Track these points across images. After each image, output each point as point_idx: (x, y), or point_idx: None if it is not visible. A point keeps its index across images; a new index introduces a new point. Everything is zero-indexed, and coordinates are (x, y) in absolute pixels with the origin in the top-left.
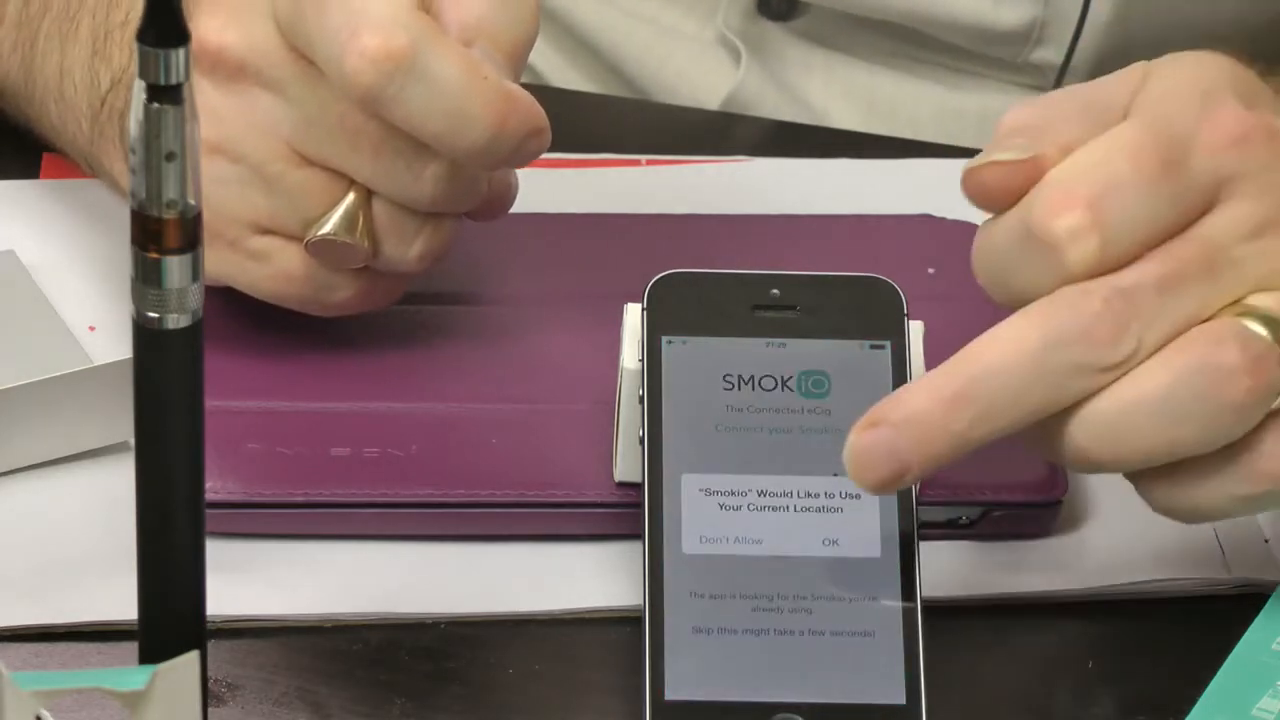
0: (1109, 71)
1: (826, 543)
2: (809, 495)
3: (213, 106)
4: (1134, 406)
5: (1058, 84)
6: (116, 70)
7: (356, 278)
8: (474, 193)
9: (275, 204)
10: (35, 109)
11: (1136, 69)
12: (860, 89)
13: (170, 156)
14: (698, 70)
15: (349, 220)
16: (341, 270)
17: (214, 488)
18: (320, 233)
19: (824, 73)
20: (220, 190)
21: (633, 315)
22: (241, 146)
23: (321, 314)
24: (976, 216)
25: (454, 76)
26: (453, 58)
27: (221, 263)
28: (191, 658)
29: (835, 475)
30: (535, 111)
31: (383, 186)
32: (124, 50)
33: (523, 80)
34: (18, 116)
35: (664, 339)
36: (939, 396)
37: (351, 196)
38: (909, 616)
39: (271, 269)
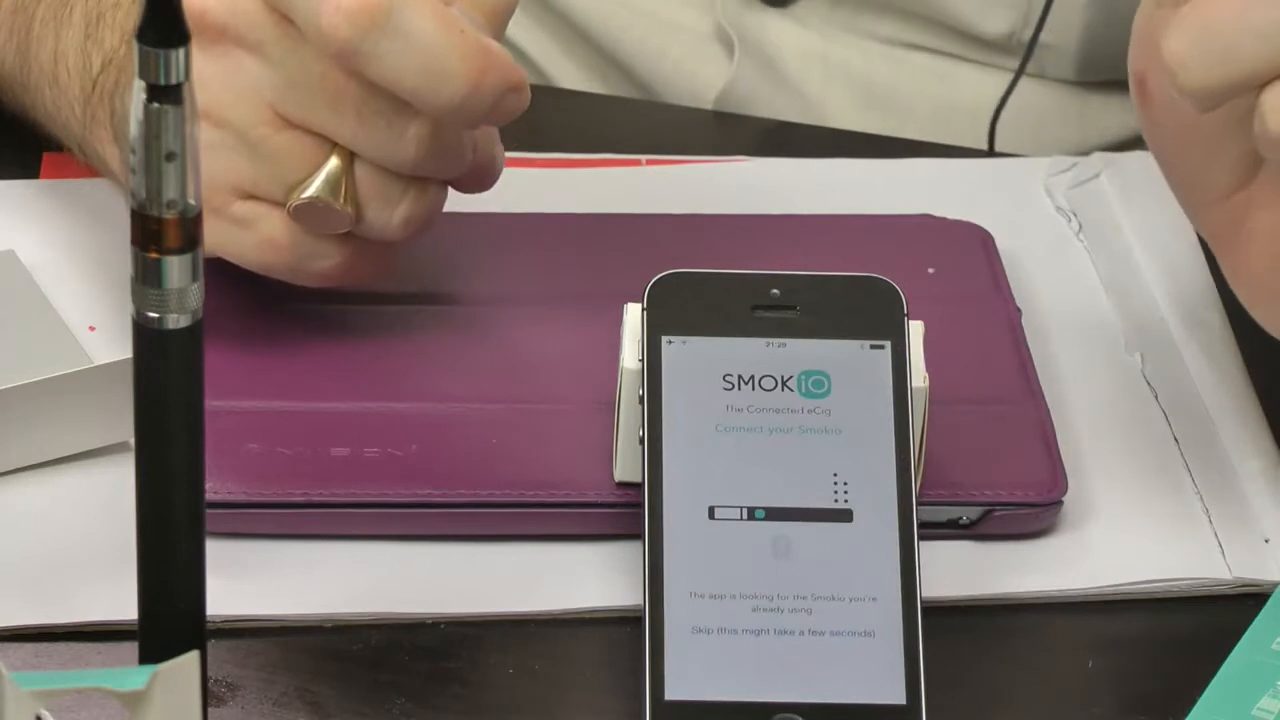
0: (1093, 47)
1: (827, 543)
2: (809, 496)
3: (196, 71)
4: None
5: (1027, 56)
6: (108, 52)
7: (342, 245)
8: (457, 157)
9: (258, 168)
10: (30, 96)
11: None
12: (857, 77)
13: (170, 156)
14: (695, 61)
15: (332, 183)
16: (326, 237)
17: (214, 488)
18: (303, 196)
19: (820, 61)
20: (203, 155)
21: (633, 315)
22: (225, 111)
23: (309, 284)
24: (976, 216)
25: (430, 31)
26: (429, 13)
27: (206, 231)
28: (191, 658)
29: (835, 475)
30: (513, 68)
31: (365, 148)
32: (115, 32)
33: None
34: (13, 104)
35: (664, 339)
36: None
37: (334, 160)
38: (909, 616)
39: (256, 236)
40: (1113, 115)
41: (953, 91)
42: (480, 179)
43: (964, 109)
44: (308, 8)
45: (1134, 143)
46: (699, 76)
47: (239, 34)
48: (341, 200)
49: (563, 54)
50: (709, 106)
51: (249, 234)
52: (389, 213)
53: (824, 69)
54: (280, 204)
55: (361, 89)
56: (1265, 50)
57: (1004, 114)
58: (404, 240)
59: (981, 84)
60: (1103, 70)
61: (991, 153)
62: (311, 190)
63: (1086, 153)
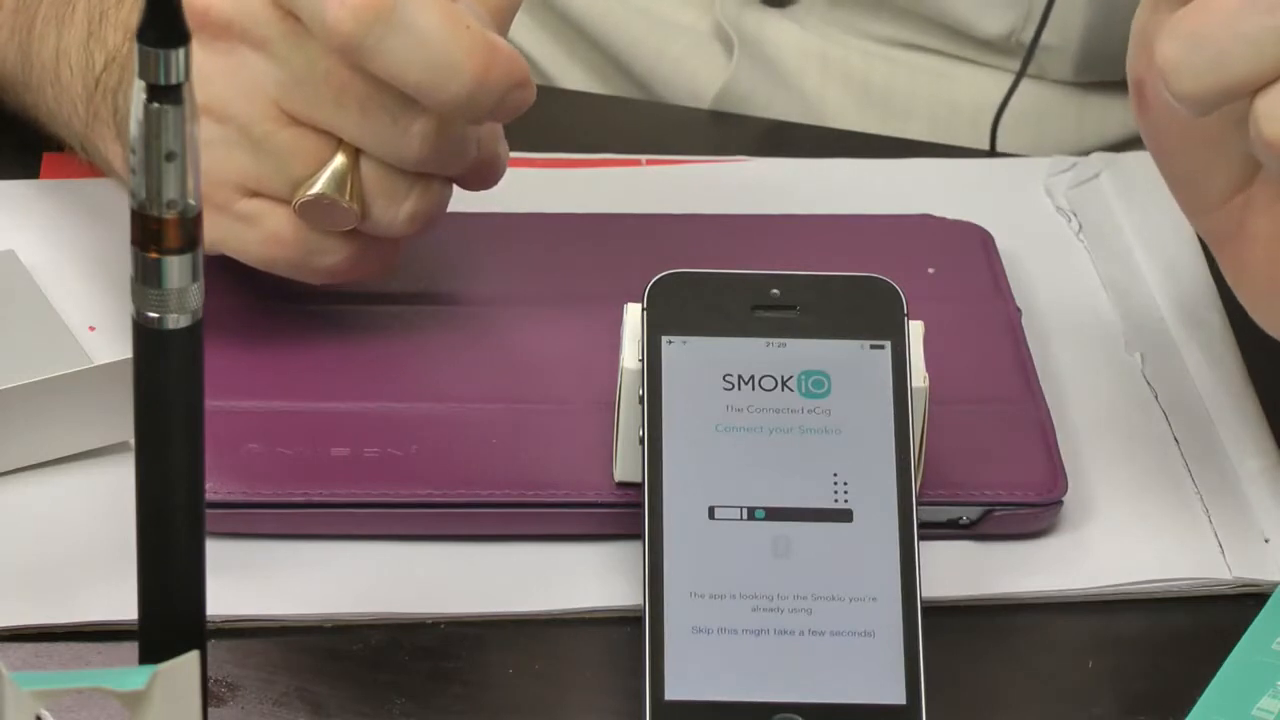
0: (1093, 48)
1: (827, 543)
2: (809, 496)
3: (199, 67)
4: None
5: (1028, 57)
6: (111, 50)
7: (347, 242)
8: (462, 153)
9: (263, 165)
10: (32, 95)
11: None
12: (855, 77)
13: (170, 156)
14: (694, 60)
15: (337, 180)
16: (331, 233)
17: (214, 488)
18: (309, 193)
19: (819, 61)
20: (208, 152)
21: (633, 315)
22: (229, 107)
23: (314, 280)
24: (976, 216)
25: (435, 26)
26: (434, 8)
27: (211, 227)
28: (191, 658)
29: (835, 475)
30: (518, 63)
31: (370, 144)
32: (118, 30)
33: None
34: (15, 104)
35: (664, 339)
36: None
37: (340, 156)
38: (909, 616)
39: (261, 232)
40: (1112, 115)
41: (951, 91)
42: (484, 176)
43: (963, 109)
44: (313, 3)
45: (1134, 142)
46: (698, 75)
47: (243, 30)
48: (347, 197)
49: (563, 53)
50: (708, 105)
51: (253, 230)
52: (394, 209)
53: (823, 68)
54: (285, 201)
55: (366, 85)
56: (1256, 57)
57: (1004, 114)
58: (409, 237)
59: (980, 84)
60: (1101, 71)
61: (992, 152)
62: (317, 187)
63: (1086, 153)
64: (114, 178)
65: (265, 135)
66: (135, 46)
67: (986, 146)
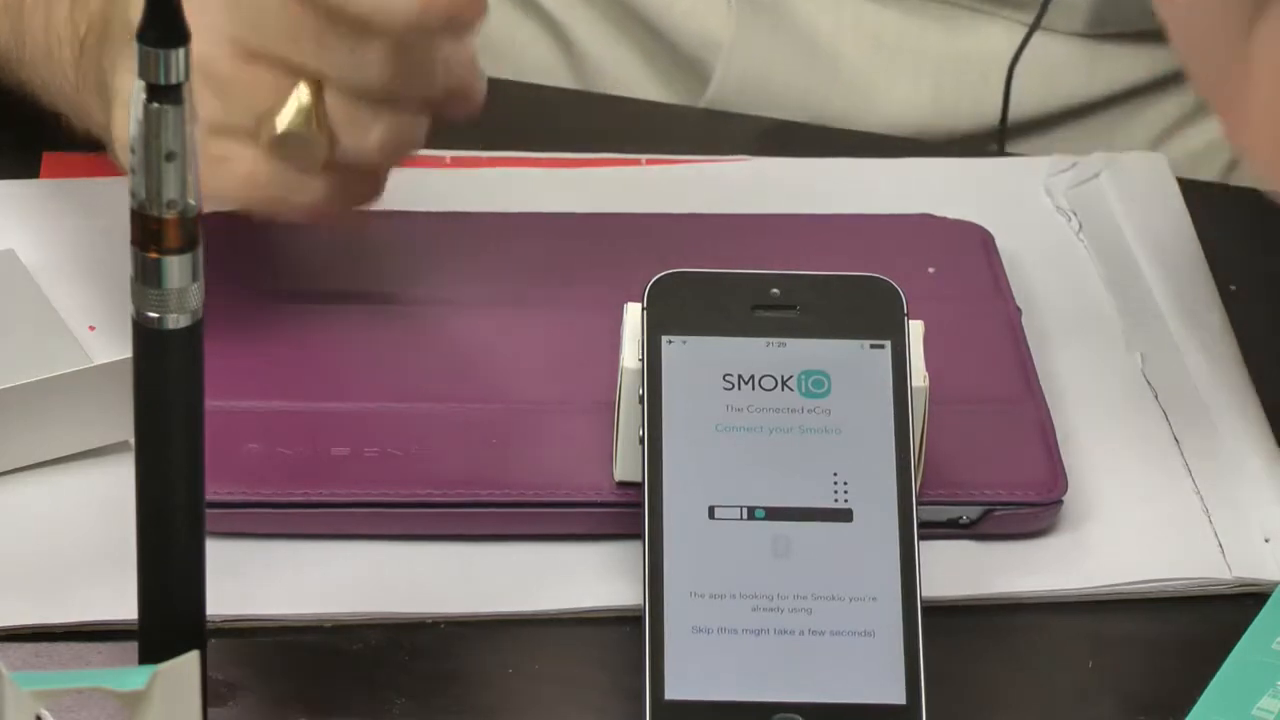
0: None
1: (827, 542)
2: (809, 495)
3: None
4: None
5: (1042, 12)
6: (94, 13)
7: (323, 177)
8: (426, 76)
9: (228, 105)
10: (26, 71)
11: None
12: (868, 24)
13: (170, 156)
14: (704, 10)
15: (302, 113)
16: (307, 169)
17: (214, 488)
18: (275, 128)
19: (832, 11)
20: None
21: (633, 315)
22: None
23: (299, 220)
24: (976, 216)
25: None
26: None
27: None
28: (191, 658)
29: (835, 475)
30: None
31: (331, 74)
32: None
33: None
34: (10, 81)
35: (664, 339)
36: None
37: (302, 88)
38: (909, 616)
39: (235, 173)
40: (1122, 65)
41: (962, 42)
42: (460, 103)
43: (973, 60)
44: None
45: (1144, 91)
46: (708, 23)
47: None
48: (313, 128)
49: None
50: (720, 55)
51: (228, 172)
52: (363, 137)
53: (835, 18)
54: (255, 139)
55: (319, 16)
56: None
57: (1016, 66)
58: (384, 166)
59: (991, 35)
60: (1112, 23)
61: (1000, 152)
62: (282, 121)
63: (1095, 103)
64: (103, 137)
65: (228, 76)
66: (116, 10)
67: (998, 98)
